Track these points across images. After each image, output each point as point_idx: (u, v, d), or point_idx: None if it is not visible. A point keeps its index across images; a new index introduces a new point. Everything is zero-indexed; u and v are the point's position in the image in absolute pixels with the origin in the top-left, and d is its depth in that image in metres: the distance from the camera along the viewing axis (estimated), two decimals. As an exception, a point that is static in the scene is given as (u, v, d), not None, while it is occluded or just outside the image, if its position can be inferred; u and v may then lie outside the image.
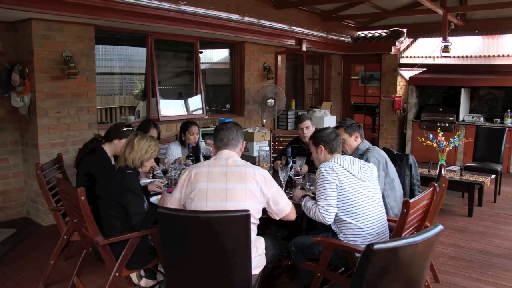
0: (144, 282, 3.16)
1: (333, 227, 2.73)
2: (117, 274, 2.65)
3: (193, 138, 4.23)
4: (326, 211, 2.60)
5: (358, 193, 2.63)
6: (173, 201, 2.44)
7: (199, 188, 2.32)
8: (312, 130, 4.11)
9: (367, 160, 3.09)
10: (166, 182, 3.44)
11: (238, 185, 2.31)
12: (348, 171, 2.66)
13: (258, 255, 2.43)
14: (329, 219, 2.62)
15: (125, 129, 3.28)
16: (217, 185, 2.32)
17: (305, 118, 4.23)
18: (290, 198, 3.01)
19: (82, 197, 2.55)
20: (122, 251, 2.64)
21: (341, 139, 2.89)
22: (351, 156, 2.83)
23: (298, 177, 3.59)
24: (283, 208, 2.50)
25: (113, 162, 3.32)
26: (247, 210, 2.08)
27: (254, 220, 2.35)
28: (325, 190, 2.62)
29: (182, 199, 2.41)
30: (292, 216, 2.57)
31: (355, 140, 3.36)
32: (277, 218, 2.53)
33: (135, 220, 2.61)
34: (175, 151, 4.22)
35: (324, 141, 2.83)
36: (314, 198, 2.79)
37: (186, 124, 4.30)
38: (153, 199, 3.01)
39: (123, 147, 2.79)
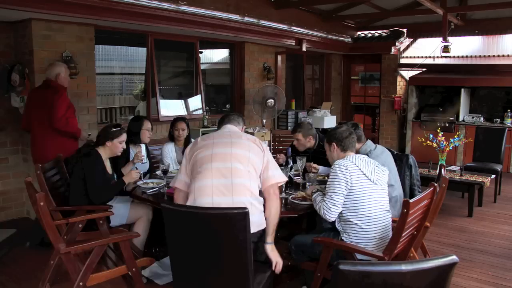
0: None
1: (337, 225, 2.73)
2: (81, 283, 2.55)
3: (177, 133, 4.24)
4: (328, 209, 2.61)
5: (368, 196, 2.63)
6: (181, 174, 2.55)
7: (205, 154, 2.45)
8: (305, 142, 3.93)
9: None
10: (165, 182, 3.44)
11: (243, 151, 2.45)
12: (362, 172, 2.65)
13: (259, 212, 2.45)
14: (329, 217, 2.63)
15: (113, 129, 3.30)
16: (222, 150, 2.45)
17: (296, 129, 3.97)
18: (293, 198, 3.05)
19: (41, 202, 2.43)
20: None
21: (354, 137, 2.88)
22: (366, 156, 2.81)
23: (298, 177, 3.59)
24: (272, 176, 2.48)
25: (108, 164, 3.34)
26: (245, 208, 2.09)
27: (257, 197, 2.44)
28: (334, 188, 2.63)
29: (188, 169, 2.52)
30: (276, 190, 2.52)
31: None
32: (262, 187, 2.50)
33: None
34: (170, 150, 4.19)
35: (337, 139, 2.83)
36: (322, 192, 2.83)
37: (174, 119, 4.34)
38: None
39: None
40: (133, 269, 2.72)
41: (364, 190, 2.62)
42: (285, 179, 2.64)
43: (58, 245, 2.49)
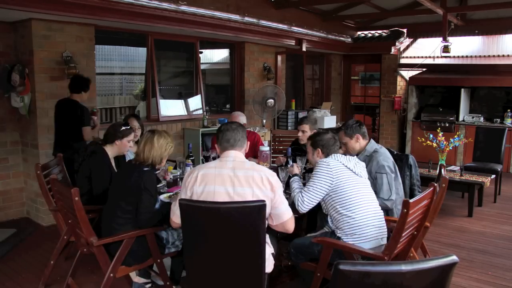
0: (137, 278, 3.19)
1: (330, 224, 2.79)
2: (111, 275, 2.63)
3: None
4: (302, 201, 2.72)
5: (354, 187, 2.72)
6: (177, 218, 2.42)
7: (207, 190, 2.31)
8: (309, 134, 4.03)
9: (374, 163, 3.14)
10: (165, 183, 3.44)
11: (246, 189, 2.29)
12: (345, 165, 2.77)
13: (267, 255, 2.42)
14: (301, 209, 2.73)
15: (123, 128, 3.29)
16: (224, 188, 2.30)
17: (304, 121, 4.06)
18: (288, 197, 3.03)
19: (76, 197, 2.52)
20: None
21: (339, 144, 2.98)
22: (350, 156, 2.91)
23: (298, 177, 3.58)
24: (282, 213, 2.39)
25: (113, 163, 3.33)
26: (263, 201, 2.16)
27: None
28: (314, 184, 2.73)
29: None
30: (290, 226, 2.44)
31: (356, 142, 3.33)
32: (274, 223, 2.43)
33: (142, 216, 2.66)
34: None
35: (323, 146, 2.92)
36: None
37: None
38: (162, 197, 3.06)
39: (142, 146, 2.84)
40: (158, 260, 2.81)
41: (348, 181, 2.72)
42: (291, 215, 2.45)
43: (90, 238, 2.58)
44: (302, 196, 2.73)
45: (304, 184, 2.94)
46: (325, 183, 2.70)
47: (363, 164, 2.93)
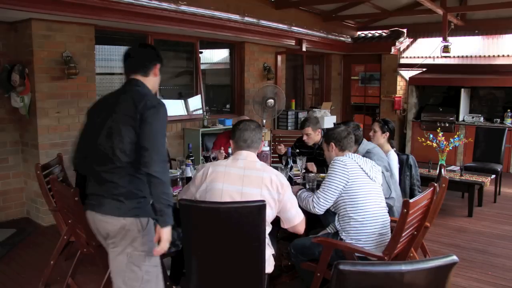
0: None
1: (336, 224, 2.75)
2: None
3: None
4: (318, 202, 2.67)
5: (366, 191, 2.67)
6: (188, 195, 2.45)
7: (215, 187, 2.31)
8: (314, 136, 4.00)
9: None
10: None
11: (254, 190, 2.29)
12: (361, 168, 2.71)
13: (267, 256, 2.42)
14: (317, 210, 2.68)
15: None
16: (232, 187, 2.29)
17: (305, 124, 4.02)
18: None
19: (76, 197, 2.52)
20: None
21: (352, 137, 2.91)
22: (363, 157, 2.87)
23: (298, 177, 3.59)
24: (293, 217, 2.42)
25: None
26: (263, 201, 2.15)
27: (266, 225, 2.31)
28: (329, 183, 2.67)
29: (196, 194, 2.39)
30: (301, 228, 2.48)
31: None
32: (285, 226, 2.47)
33: None
34: None
35: (335, 139, 2.86)
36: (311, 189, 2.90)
37: None
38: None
39: None
40: None
41: (362, 185, 2.67)
42: (302, 218, 2.47)
43: (91, 240, 2.56)
44: (318, 197, 2.67)
45: (311, 189, 2.95)
46: (340, 182, 2.65)
47: (379, 168, 2.85)
